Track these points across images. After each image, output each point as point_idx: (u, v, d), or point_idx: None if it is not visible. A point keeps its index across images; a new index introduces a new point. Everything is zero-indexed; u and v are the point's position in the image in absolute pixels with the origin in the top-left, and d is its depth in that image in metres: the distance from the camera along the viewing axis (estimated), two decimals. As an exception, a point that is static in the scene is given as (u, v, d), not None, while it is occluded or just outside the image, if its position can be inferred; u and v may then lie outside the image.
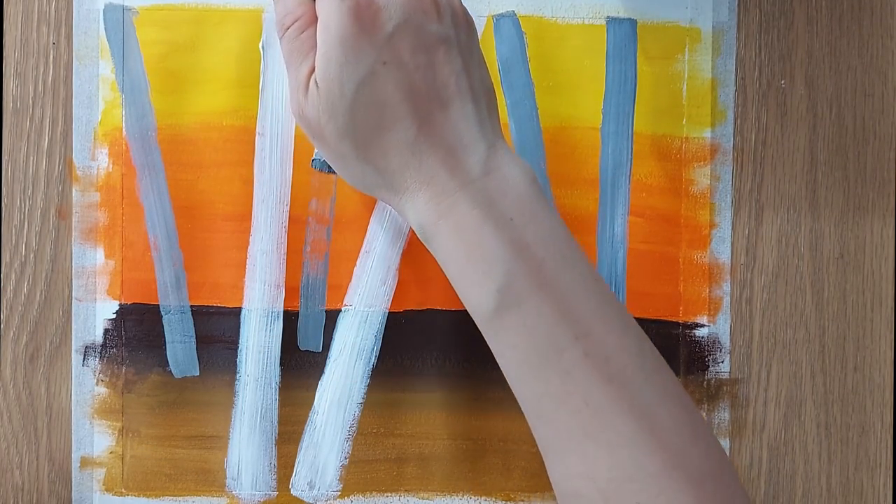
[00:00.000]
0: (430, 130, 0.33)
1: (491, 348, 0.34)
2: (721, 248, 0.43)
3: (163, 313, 0.42)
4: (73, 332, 0.42)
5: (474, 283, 0.33)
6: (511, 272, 0.32)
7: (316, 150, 0.42)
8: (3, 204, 0.42)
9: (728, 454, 0.43)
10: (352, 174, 0.35)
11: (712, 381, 0.43)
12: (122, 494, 0.42)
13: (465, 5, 0.36)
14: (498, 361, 0.34)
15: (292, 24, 0.34)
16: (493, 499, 0.43)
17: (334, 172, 0.39)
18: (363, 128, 0.33)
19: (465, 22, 0.35)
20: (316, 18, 0.34)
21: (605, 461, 0.31)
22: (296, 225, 0.42)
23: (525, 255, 0.32)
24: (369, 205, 0.43)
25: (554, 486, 0.33)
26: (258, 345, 0.42)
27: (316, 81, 0.33)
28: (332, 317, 0.43)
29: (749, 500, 0.32)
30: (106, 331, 0.42)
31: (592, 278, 0.33)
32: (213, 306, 0.42)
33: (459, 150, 0.33)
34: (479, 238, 0.33)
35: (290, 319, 0.43)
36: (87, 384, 0.42)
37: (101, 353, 0.42)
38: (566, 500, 0.32)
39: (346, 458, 0.43)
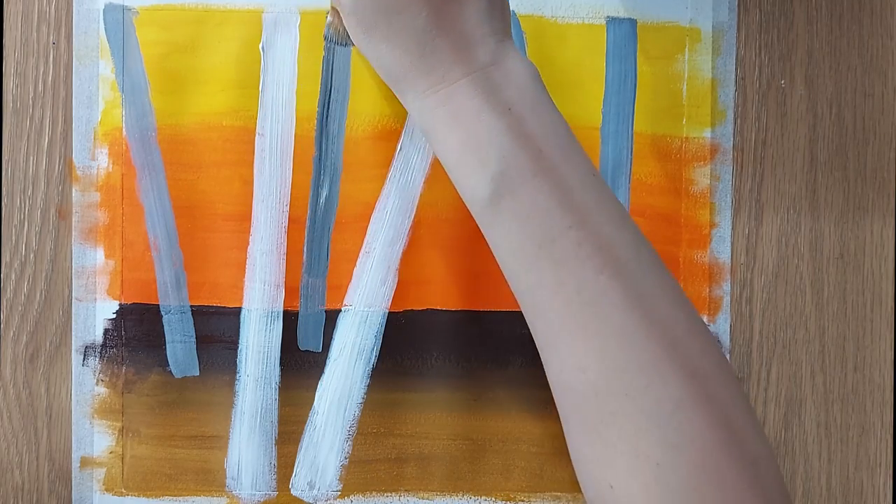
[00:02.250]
0: (439, 21, 0.33)
1: (486, 238, 0.33)
2: (721, 248, 0.43)
3: (163, 313, 0.42)
4: (73, 332, 0.42)
5: (470, 170, 0.32)
6: (506, 158, 0.32)
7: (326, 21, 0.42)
8: (3, 204, 0.42)
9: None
10: (362, 49, 0.35)
11: (712, 381, 0.43)
12: (122, 494, 0.42)
13: None
14: (493, 252, 0.33)
15: None
16: (493, 499, 0.43)
17: (344, 45, 0.39)
18: (371, 8, 0.33)
19: None
20: None
21: (595, 353, 0.30)
22: (296, 225, 0.42)
23: (522, 142, 0.32)
24: (369, 205, 0.43)
25: (550, 384, 0.33)
26: (258, 345, 0.42)
27: None
28: (332, 317, 0.43)
29: (749, 402, 0.31)
30: (106, 331, 0.42)
31: (591, 172, 0.33)
32: (213, 306, 0.42)
33: (468, 40, 0.33)
34: (476, 124, 0.32)
35: (290, 319, 0.43)
36: (87, 384, 0.42)
37: (101, 353, 0.42)
38: (560, 394, 0.32)
39: (346, 458, 0.43)
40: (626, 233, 0.32)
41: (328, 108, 0.42)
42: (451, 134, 0.33)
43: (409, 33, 0.33)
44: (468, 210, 0.34)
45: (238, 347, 0.42)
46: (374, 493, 0.43)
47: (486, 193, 0.32)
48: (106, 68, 0.42)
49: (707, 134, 0.43)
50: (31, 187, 0.42)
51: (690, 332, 0.31)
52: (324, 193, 0.42)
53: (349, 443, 0.43)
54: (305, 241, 0.43)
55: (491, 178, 0.32)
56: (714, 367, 0.31)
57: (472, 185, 0.33)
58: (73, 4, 0.42)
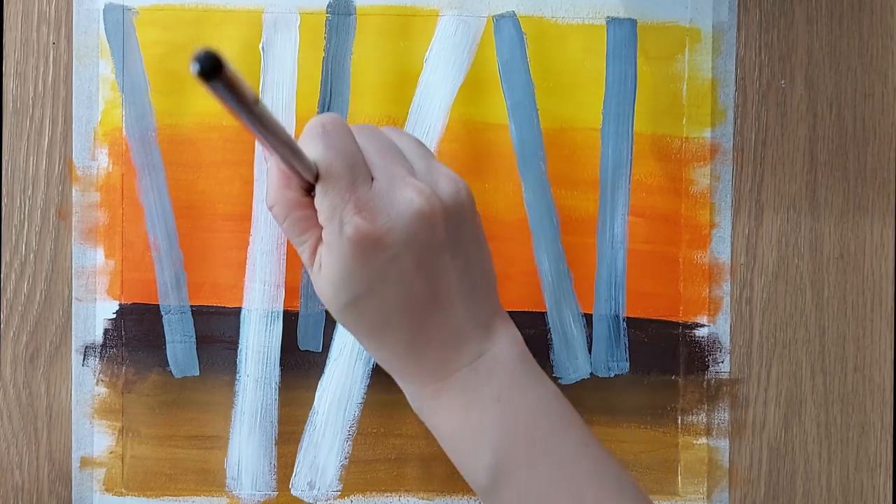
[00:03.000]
0: (423, 332, 0.33)
1: None
2: (721, 248, 0.43)
3: (163, 313, 0.42)
4: (73, 332, 0.42)
5: (466, 459, 0.33)
6: (499, 451, 0.32)
7: None
8: (3, 204, 0.42)
9: (728, 454, 0.43)
10: None
11: (712, 381, 0.43)
12: (122, 494, 0.42)
13: (457, 175, 0.33)
14: None
15: (286, 214, 0.33)
16: (493, 499, 0.43)
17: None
18: (354, 327, 0.33)
19: (469, 214, 0.33)
20: (308, 204, 0.32)
21: None
22: (296, 225, 0.42)
23: (513, 432, 0.33)
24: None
25: None
26: (258, 345, 0.42)
27: (321, 263, 0.32)
28: (331, 317, 0.43)
29: None
30: (106, 331, 0.42)
31: (584, 443, 0.33)
32: (213, 306, 0.42)
33: (454, 340, 0.33)
34: (466, 419, 0.33)
35: (290, 319, 0.43)
36: (87, 384, 0.42)
37: (101, 353, 0.42)
38: None
39: (346, 458, 0.43)
40: (624, 500, 0.33)
41: (328, 109, 0.42)
42: (444, 424, 0.34)
43: (395, 344, 0.33)
44: None
45: (238, 347, 0.42)
46: (374, 494, 0.43)
47: (484, 482, 0.33)
48: (106, 68, 0.42)
49: (707, 134, 0.43)
50: (31, 187, 0.42)
51: None
52: (324, 193, 0.42)
53: (349, 443, 0.43)
54: (305, 241, 0.42)
55: (486, 468, 0.33)
56: None
57: (470, 473, 0.33)
58: (73, 4, 0.42)
